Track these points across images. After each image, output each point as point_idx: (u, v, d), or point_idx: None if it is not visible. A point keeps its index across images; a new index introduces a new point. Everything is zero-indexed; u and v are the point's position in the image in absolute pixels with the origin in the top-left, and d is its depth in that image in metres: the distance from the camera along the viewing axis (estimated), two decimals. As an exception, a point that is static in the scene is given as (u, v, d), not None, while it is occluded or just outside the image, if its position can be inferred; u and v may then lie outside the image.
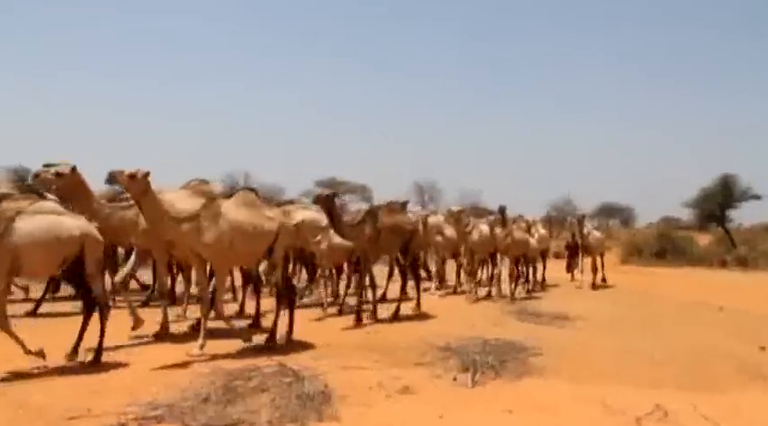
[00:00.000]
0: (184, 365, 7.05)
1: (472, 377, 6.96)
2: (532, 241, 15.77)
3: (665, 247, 28.94)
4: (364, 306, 10.61)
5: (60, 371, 6.63)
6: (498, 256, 14.85)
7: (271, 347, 8.04)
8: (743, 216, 38.60)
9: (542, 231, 17.74)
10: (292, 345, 8.34)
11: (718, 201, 33.66)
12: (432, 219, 15.31)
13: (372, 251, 10.71)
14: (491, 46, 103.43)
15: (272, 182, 42.70)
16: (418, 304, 11.68)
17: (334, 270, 12.61)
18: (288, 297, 8.64)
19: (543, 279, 17.59)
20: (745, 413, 6.12)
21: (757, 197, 33.59)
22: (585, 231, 18.03)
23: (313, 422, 5.37)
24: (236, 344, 8.08)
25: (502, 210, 16.34)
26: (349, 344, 8.56)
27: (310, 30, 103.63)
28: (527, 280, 16.21)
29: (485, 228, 14.22)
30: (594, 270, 17.99)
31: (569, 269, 19.75)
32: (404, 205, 14.06)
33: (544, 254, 18.02)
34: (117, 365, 7.00)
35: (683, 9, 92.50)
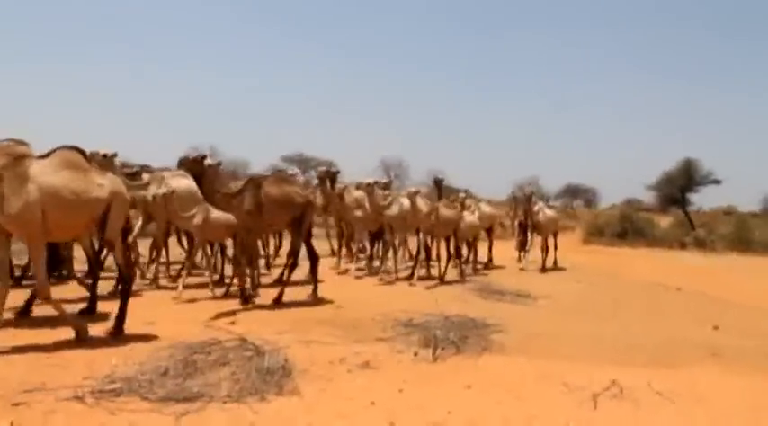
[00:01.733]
0: (144, 338, 6.97)
1: (433, 353, 7.00)
2: (470, 219, 14.71)
3: (627, 228, 29.39)
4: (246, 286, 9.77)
5: (18, 344, 6.50)
6: (423, 234, 13.35)
7: (117, 337, 7.04)
8: (703, 200, 39.56)
9: (486, 209, 17.24)
10: (254, 319, 8.31)
11: (680, 185, 34.24)
12: (355, 193, 14.10)
13: (255, 224, 9.63)
14: (461, 24, 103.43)
15: (239, 156, 42.25)
16: (315, 289, 10.37)
17: (217, 247, 11.80)
18: (125, 282, 7.51)
19: (489, 260, 17.00)
20: (698, 389, 6.24)
21: (717, 181, 34.32)
22: (536, 209, 16.88)
23: (273, 396, 5.36)
24: (197, 318, 8.04)
25: (437, 183, 16.31)
26: (311, 319, 8.54)
27: (286, 4, 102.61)
28: (465, 261, 15.28)
29: (405, 202, 12.81)
30: (545, 250, 16.97)
31: (519, 248, 18.16)
32: (331, 174, 14.09)
33: (490, 233, 17.55)
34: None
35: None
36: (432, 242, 13.57)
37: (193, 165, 8.84)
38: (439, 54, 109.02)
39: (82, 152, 7.21)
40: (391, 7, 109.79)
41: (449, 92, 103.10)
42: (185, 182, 10.24)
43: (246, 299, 9.39)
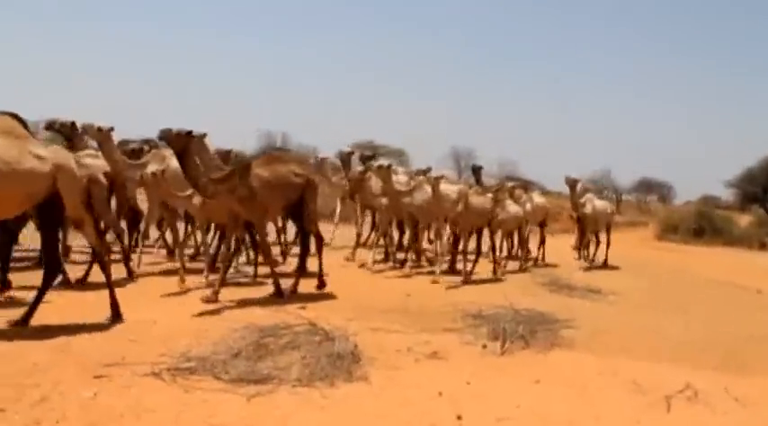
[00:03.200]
0: (219, 320, 7.16)
1: (501, 346, 6.97)
2: (513, 209, 12.99)
3: (703, 226, 28.46)
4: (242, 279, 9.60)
5: (101, 321, 6.76)
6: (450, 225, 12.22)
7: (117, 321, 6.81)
8: (786, 198, 37.97)
9: (538, 200, 15.55)
10: (324, 305, 8.42)
11: (762, 182, 33.00)
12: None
13: (248, 211, 8.61)
14: (535, 18, 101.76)
15: (311, 143, 42.75)
16: (296, 284, 9.10)
17: (216, 232, 11.27)
18: (103, 265, 7.05)
19: (540, 257, 15.29)
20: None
21: (803, 178, 32.88)
22: (582, 200, 14.99)
23: (342, 382, 5.43)
24: (269, 302, 8.21)
25: (475, 170, 15.47)
26: (381, 307, 8.60)
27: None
28: (509, 257, 14.21)
29: (428, 189, 11.67)
30: (595, 245, 15.71)
31: (577, 244, 16.55)
32: (362, 156, 14.12)
33: (542, 227, 15.74)
34: (156, 317, 7.12)
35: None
36: (461, 233, 11.81)
37: (178, 141, 7.61)
38: (516, 44, 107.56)
39: (20, 119, 6.51)
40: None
41: (524, 82, 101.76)
42: None
43: (279, 292, 8.78)
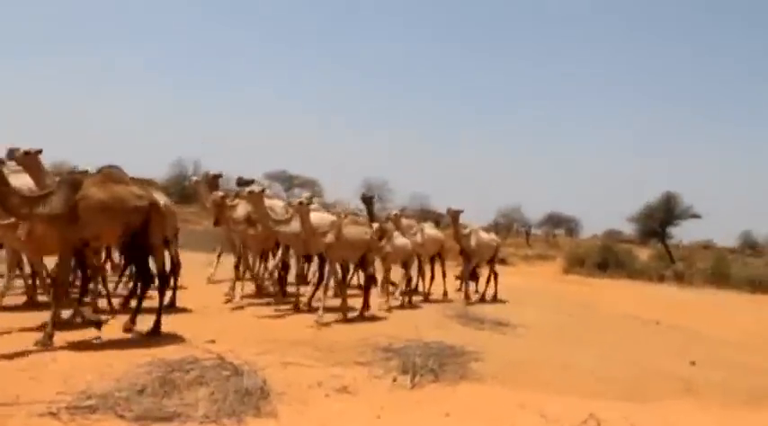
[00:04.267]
0: (122, 354, 6.92)
1: (411, 379, 7.00)
2: (399, 241, 12.57)
3: (608, 259, 29.56)
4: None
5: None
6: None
7: None
8: (682, 233, 40.02)
9: (431, 231, 14.58)
10: (234, 338, 8.27)
11: (660, 218, 34.67)
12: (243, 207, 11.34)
13: (67, 236, 7.30)
14: (449, 44, 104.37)
15: (224, 171, 42.11)
16: (132, 320, 8.09)
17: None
18: None
19: (412, 289, 14.07)
20: (674, 424, 6.30)
21: (697, 216, 34.89)
22: (467, 230, 14.50)
23: (250, 418, 5.34)
24: (175, 336, 8.00)
25: (366, 200, 14.72)
26: (291, 340, 8.50)
27: (272, 20, 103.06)
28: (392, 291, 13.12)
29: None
30: (469, 279, 14.87)
31: (461, 278, 15.47)
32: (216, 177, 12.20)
33: (433, 259, 14.97)
34: (54, 350, 6.82)
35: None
36: (332, 265, 11.00)
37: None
38: (428, 74, 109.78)
39: None
40: (372, 19, 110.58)
41: (437, 115, 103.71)
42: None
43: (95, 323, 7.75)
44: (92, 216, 7.35)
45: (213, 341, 7.89)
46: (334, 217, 11.35)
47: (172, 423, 5.02)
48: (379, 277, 12.65)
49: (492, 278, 15.49)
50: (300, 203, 10.44)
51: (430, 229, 14.81)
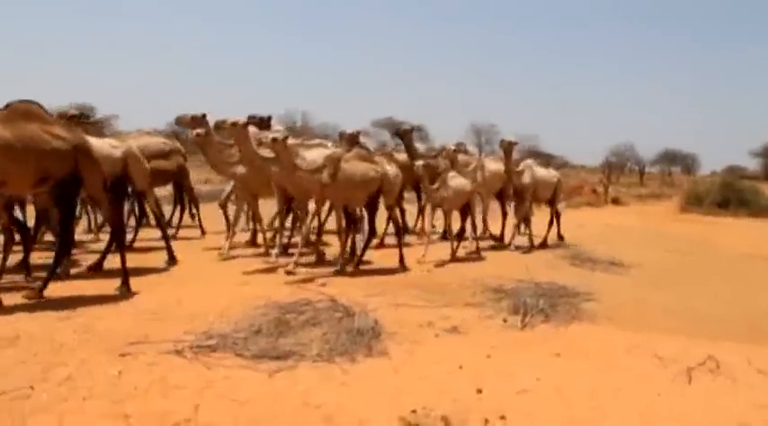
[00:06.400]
0: (239, 298, 7.23)
1: (522, 320, 6.97)
2: (456, 183, 10.75)
3: (729, 197, 28.02)
4: None
5: (125, 299, 6.89)
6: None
7: None
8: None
9: (494, 166, 13.02)
10: (345, 281, 8.46)
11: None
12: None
13: None
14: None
15: (331, 122, 42.78)
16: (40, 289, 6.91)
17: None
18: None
19: (490, 234, 13.34)
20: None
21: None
22: (520, 167, 12.65)
23: (362, 357, 5.47)
24: (290, 280, 8.28)
25: (400, 134, 13.16)
26: (400, 283, 8.63)
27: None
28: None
29: (307, 156, 9.54)
30: (521, 221, 12.74)
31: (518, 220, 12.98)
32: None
33: (502, 198, 13.71)
34: (178, 296, 7.24)
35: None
36: (337, 210, 9.68)
37: None
38: (535, 15, 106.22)
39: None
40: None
41: (544, 55, 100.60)
42: None
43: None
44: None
45: (324, 284, 8.12)
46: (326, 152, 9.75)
47: (287, 362, 5.21)
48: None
49: (554, 219, 13.53)
50: (274, 139, 8.66)
51: (492, 164, 13.14)
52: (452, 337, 6.33)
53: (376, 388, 4.85)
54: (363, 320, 6.28)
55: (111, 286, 7.41)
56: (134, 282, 7.54)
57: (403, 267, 9.76)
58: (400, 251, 10.00)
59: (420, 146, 13.89)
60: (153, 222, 11.39)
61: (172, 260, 9.29)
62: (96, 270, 8.43)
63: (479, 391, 4.86)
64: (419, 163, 10.67)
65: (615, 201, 28.94)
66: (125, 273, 7.48)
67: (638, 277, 10.55)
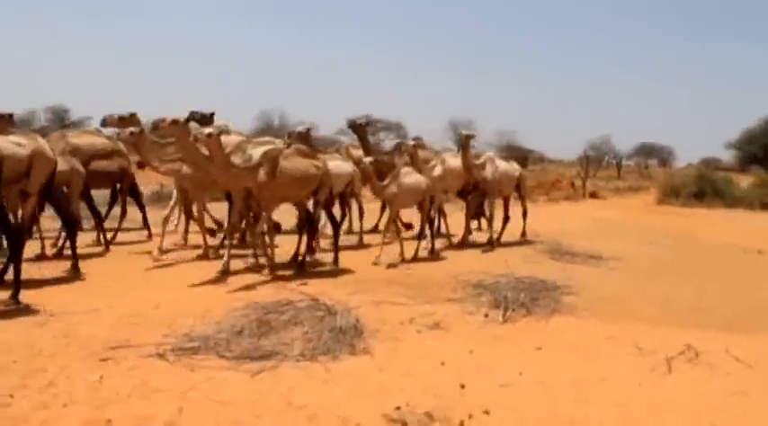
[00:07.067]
0: (220, 299, 7.20)
1: (503, 314, 7.00)
2: (409, 180, 10.22)
3: (705, 188, 28.31)
4: None
5: (103, 304, 6.83)
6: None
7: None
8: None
9: (454, 162, 11.97)
10: (326, 280, 8.45)
11: (763, 143, 32.92)
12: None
13: None
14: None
15: (308, 120, 42.65)
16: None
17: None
18: None
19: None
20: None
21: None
22: (481, 161, 12.05)
23: (345, 355, 5.48)
24: (271, 279, 8.26)
25: (354, 127, 12.16)
26: (381, 280, 8.64)
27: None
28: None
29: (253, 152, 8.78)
30: (487, 217, 12.38)
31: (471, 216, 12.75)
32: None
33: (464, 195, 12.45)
34: (158, 298, 7.18)
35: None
36: (267, 210, 8.97)
37: None
38: (511, 9, 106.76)
39: None
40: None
41: (519, 50, 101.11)
42: None
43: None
44: None
45: (305, 284, 8.11)
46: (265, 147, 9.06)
47: (269, 362, 5.20)
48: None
49: (522, 215, 13.13)
50: (209, 135, 8.17)
51: (452, 159, 12.21)
52: (434, 333, 6.34)
53: (359, 386, 4.86)
54: (345, 318, 6.28)
55: (90, 291, 7.35)
56: (109, 288, 7.53)
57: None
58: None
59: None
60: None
61: (75, 270, 8.43)
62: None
63: (462, 386, 4.88)
64: (366, 159, 10.42)
65: (593, 195, 29.16)
66: (17, 284, 6.86)
67: (618, 269, 10.64)
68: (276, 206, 9.18)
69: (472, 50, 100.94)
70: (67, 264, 8.58)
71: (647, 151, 59.44)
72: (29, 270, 7.91)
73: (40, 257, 9.43)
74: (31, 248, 9.95)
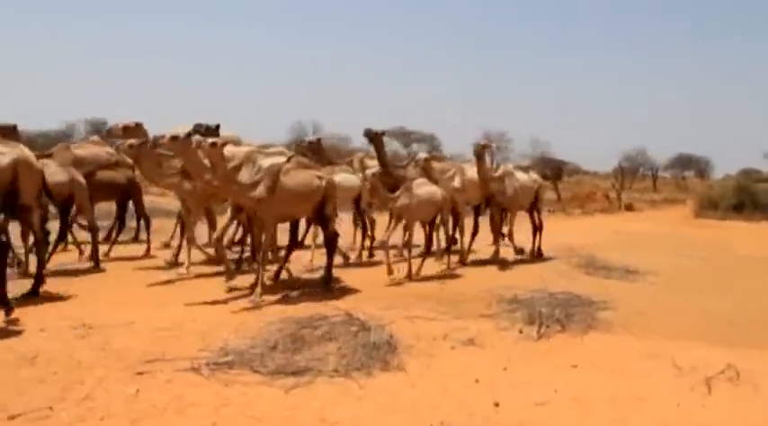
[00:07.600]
0: (254, 313, 7.25)
1: (538, 330, 6.93)
2: (423, 191, 9.83)
3: (744, 200, 27.77)
4: None
5: (139, 317, 6.91)
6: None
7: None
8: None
9: (472, 173, 11.49)
10: (360, 295, 8.46)
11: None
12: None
13: None
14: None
15: (342, 132, 42.90)
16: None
17: None
18: None
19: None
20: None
21: None
22: (498, 173, 11.67)
23: (379, 371, 5.46)
24: (304, 294, 8.28)
25: (370, 136, 11.15)
26: (415, 295, 8.62)
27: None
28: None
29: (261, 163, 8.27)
30: (506, 231, 12.33)
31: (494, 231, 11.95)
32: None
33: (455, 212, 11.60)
34: (193, 312, 7.26)
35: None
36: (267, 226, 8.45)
37: None
38: (546, 21, 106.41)
39: None
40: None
41: (555, 61, 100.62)
42: None
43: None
44: None
45: (339, 299, 8.12)
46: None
47: (303, 377, 5.21)
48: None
49: (537, 230, 12.57)
50: (214, 144, 7.84)
51: (472, 169, 11.58)
52: (468, 349, 6.30)
53: (393, 403, 4.85)
54: (379, 334, 6.27)
55: (127, 303, 7.46)
56: (145, 303, 7.62)
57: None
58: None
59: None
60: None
61: (34, 293, 7.72)
62: None
63: (497, 404, 4.84)
64: (370, 171, 10.16)
65: (629, 207, 28.82)
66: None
67: (654, 284, 10.49)
68: (277, 223, 8.74)
69: (506, 62, 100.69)
70: (99, 276, 8.72)
71: (683, 162, 58.59)
72: (65, 284, 8.11)
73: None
74: (69, 257, 10.19)
